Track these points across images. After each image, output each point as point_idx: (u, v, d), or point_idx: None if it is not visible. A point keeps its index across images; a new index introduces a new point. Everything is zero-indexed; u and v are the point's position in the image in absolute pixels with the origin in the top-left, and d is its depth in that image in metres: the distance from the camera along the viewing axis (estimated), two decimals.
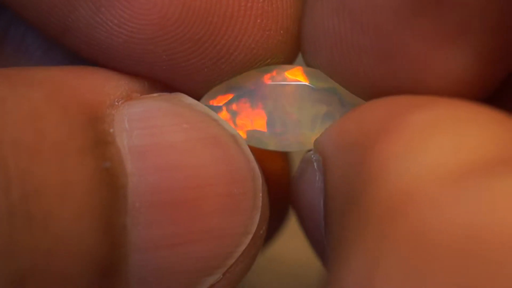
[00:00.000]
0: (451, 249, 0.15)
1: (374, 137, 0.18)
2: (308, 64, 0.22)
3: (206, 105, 0.22)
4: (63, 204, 0.18)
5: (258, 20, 0.21)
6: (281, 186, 0.26)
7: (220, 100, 0.22)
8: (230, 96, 0.22)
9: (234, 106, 0.22)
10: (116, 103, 0.20)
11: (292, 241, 0.33)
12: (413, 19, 0.19)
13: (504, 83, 0.21)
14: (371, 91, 0.21)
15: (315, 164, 0.21)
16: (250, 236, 0.21)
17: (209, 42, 0.21)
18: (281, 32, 0.22)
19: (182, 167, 0.20)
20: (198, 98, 0.22)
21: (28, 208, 0.17)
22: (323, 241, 0.21)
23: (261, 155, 0.22)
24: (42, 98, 0.19)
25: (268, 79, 0.22)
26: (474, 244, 0.14)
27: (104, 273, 0.19)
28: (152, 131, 0.20)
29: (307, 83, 0.22)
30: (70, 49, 0.22)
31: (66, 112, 0.19)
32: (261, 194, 0.21)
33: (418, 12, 0.19)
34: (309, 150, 0.22)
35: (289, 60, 0.22)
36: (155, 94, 0.21)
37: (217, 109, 0.22)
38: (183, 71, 0.21)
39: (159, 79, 0.21)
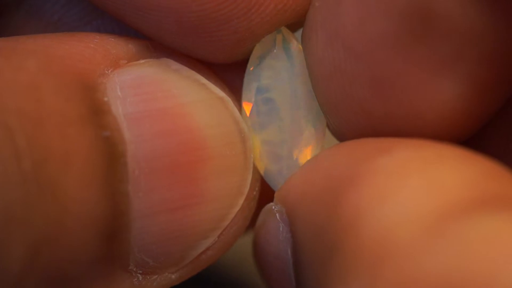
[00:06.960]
0: None
1: (343, 184, 0.18)
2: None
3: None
4: (68, 172, 0.18)
5: None
6: None
7: None
8: None
9: None
10: (106, 72, 0.20)
11: None
12: (406, 47, 0.18)
13: (498, 113, 0.20)
14: (365, 123, 0.20)
15: (277, 215, 0.21)
16: (243, 197, 0.21)
17: None
18: None
19: (175, 132, 0.20)
20: (223, 57, 0.22)
21: (38, 176, 0.17)
22: None
23: None
24: (36, 68, 0.18)
25: None
26: None
27: (109, 240, 0.19)
28: (144, 97, 0.20)
29: None
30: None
31: (61, 81, 0.19)
32: (252, 155, 0.22)
33: (411, 41, 0.18)
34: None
35: None
36: (142, 61, 0.21)
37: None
38: (213, 22, 0.20)
39: (188, 32, 0.21)
